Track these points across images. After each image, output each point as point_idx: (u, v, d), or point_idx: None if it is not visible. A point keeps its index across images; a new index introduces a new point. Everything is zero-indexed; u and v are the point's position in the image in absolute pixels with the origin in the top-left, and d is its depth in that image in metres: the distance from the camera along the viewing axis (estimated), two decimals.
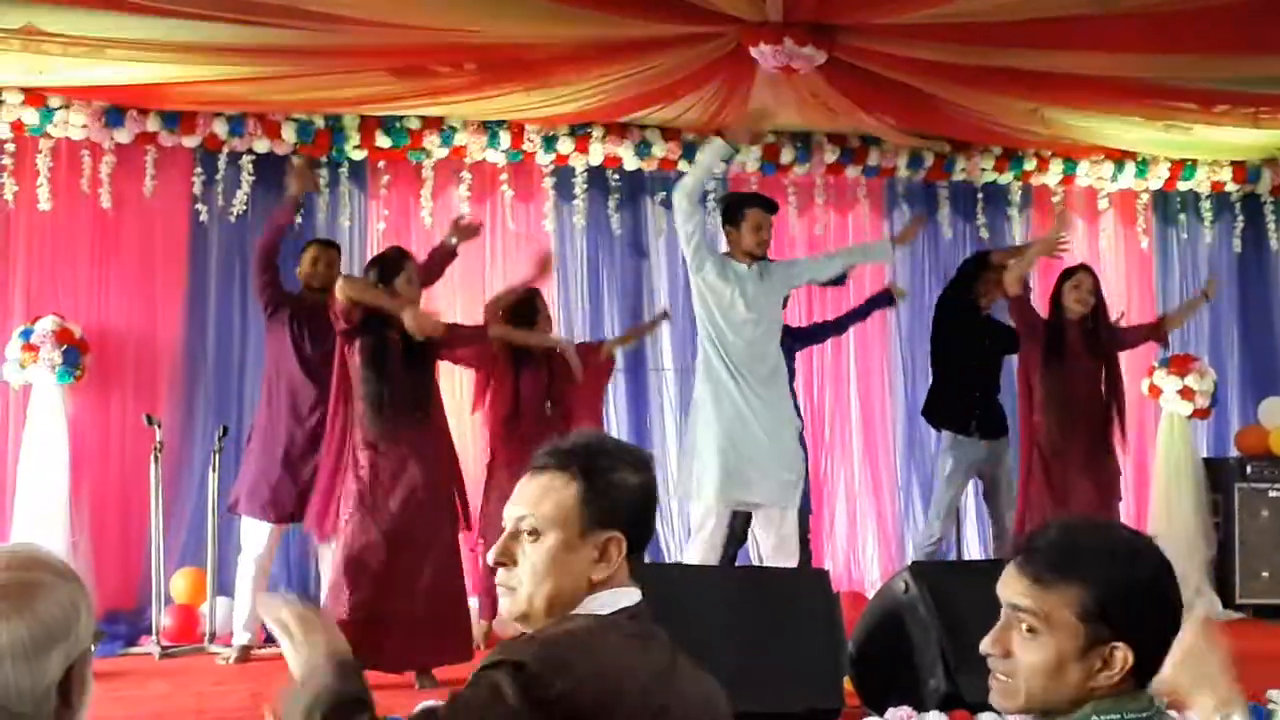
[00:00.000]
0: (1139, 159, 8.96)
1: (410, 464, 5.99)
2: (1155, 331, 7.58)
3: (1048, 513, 6.68)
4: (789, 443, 6.48)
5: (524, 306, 7.01)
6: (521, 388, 6.98)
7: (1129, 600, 1.93)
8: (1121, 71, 6.91)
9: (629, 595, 2.12)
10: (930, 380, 7.86)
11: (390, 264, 6.12)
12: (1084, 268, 7.13)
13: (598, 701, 1.94)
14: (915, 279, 8.83)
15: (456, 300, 7.77)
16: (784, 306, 6.90)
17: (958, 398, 7.53)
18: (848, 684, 5.34)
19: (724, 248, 6.66)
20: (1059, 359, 6.86)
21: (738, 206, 6.63)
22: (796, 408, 7.36)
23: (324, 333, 6.45)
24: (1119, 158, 8.93)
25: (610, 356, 7.56)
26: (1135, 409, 8.94)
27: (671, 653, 2.09)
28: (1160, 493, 8.63)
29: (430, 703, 2.25)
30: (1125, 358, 8.94)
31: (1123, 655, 1.92)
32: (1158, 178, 9.07)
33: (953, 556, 8.20)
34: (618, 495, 2.13)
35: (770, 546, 6.46)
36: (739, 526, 6.96)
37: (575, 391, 7.14)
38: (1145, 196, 9.26)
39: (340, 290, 5.96)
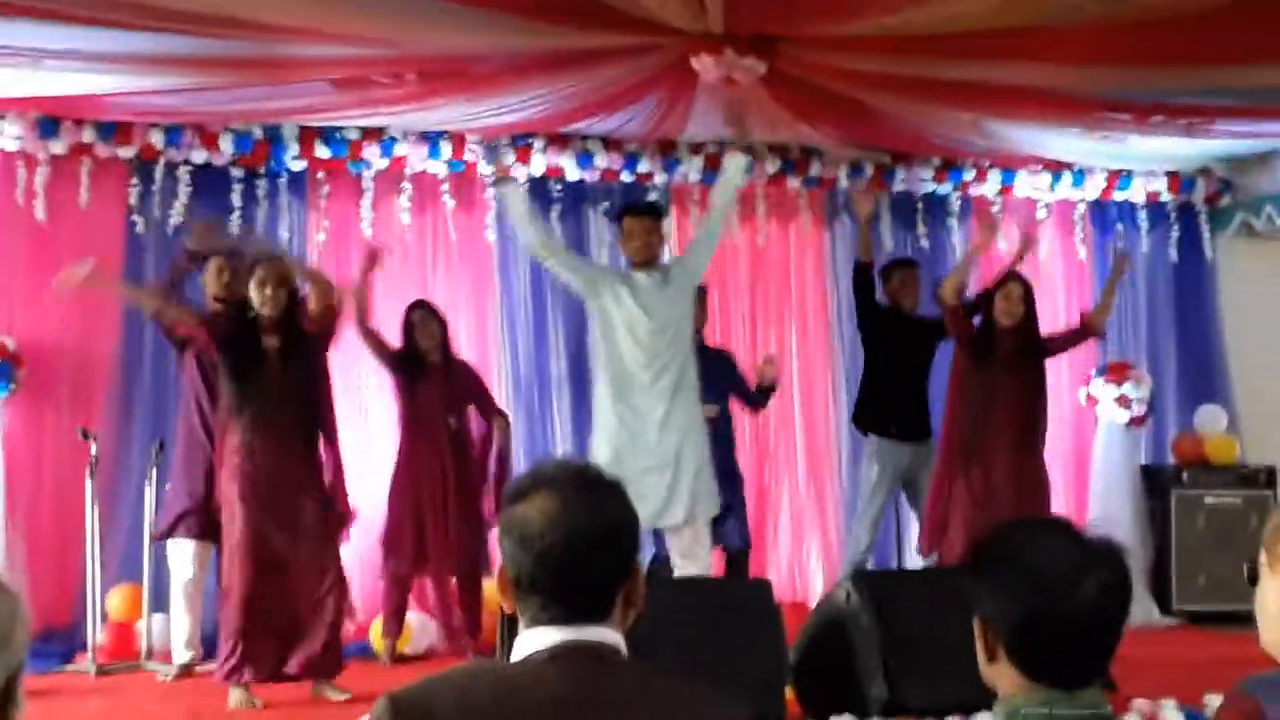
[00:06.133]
0: (1076, 169, 9.06)
1: (284, 475, 6.04)
2: (1085, 331, 7.36)
3: (965, 513, 6.74)
4: (691, 456, 6.31)
5: (406, 319, 7.20)
6: (419, 397, 7.06)
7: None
8: (1058, 83, 6.97)
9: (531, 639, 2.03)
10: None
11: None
12: (1015, 277, 7.14)
13: None
14: None
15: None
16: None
17: (882, 401, 7.60)
18: (790, 693, 5.35)
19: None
20: (985, 366, 6.91)
21: (616, 219, 6.59)
22: (728, 428, 7.41)
23: None
24: (1056, 168, 9.03)
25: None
26: (1073, 417, 9.05)
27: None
28: (1098, 500, 8.71)
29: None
30: (1061, 366, 9.08)
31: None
32: (1095, 188, 9.17)
33: (894, 564, 8.25)
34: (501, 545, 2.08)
35: (678, 554, 6.41)
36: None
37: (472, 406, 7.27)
38: (1082, 206, 9.36)
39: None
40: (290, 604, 5.94)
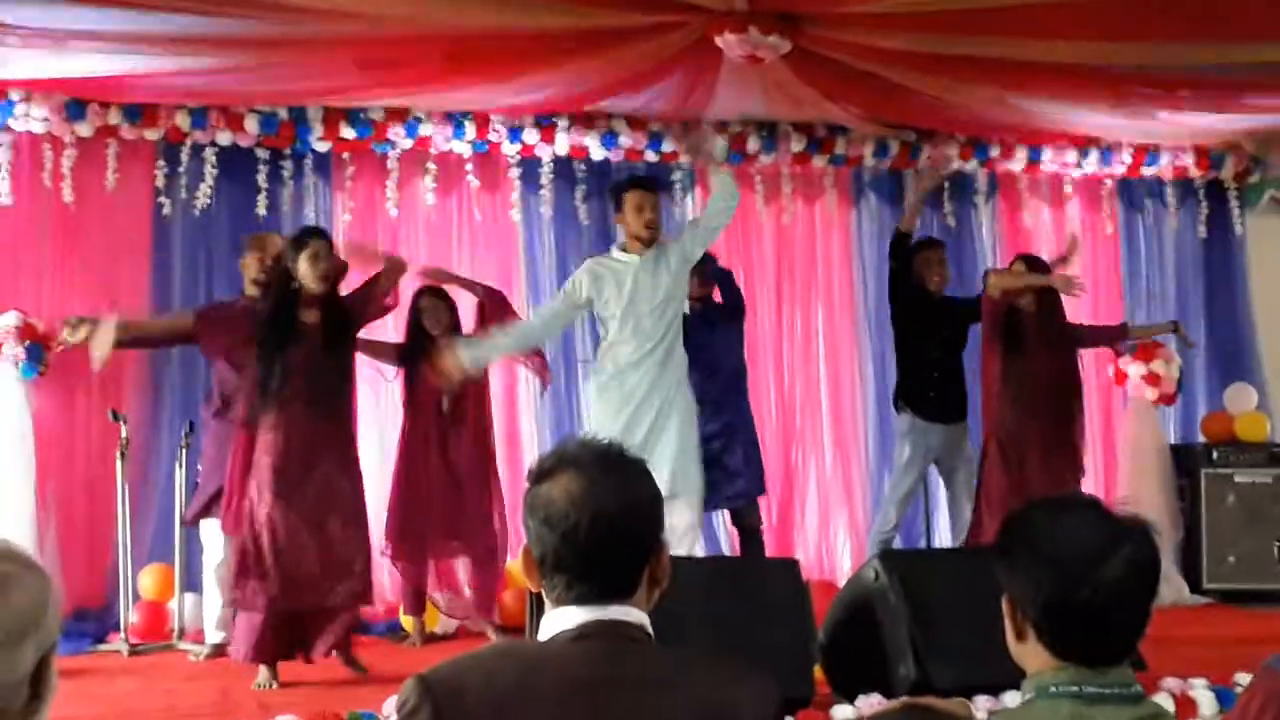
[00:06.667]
0: (1103, 145, 9.00)
1: (318, 452, 6.02)
2: (1121, 334, 8.07)
3: (1005, 499, 6.74)
4: (672, 434, 6.18)
5: (414, 304, 7.11)
6: (420, 381, 7.00)
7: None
8: (1086, 59, 6.93)
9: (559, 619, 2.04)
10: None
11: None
12: (1028, 259, 7.31)
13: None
14: (882, 265, 8.83)
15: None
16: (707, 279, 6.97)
17: (917, 381, 7.56)
18: (818, 672, 5.35)
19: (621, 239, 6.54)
20: (1016, 348, 6.98)
21: (617, 192, 6.41)
22: (740, 396, 7.32)
23: None
24: (1083, 144, 8.97)
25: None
26: (1102, 395, 9.01)
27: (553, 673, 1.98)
28: (1127, 478, 8.67)
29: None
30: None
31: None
32: (1122, 164, 9.11)
33: (923, 544, 8.24)
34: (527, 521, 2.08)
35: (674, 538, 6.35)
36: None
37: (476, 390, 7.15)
38: (1110, 183, 9.30)
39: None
40: (316, 584, 5.93)
